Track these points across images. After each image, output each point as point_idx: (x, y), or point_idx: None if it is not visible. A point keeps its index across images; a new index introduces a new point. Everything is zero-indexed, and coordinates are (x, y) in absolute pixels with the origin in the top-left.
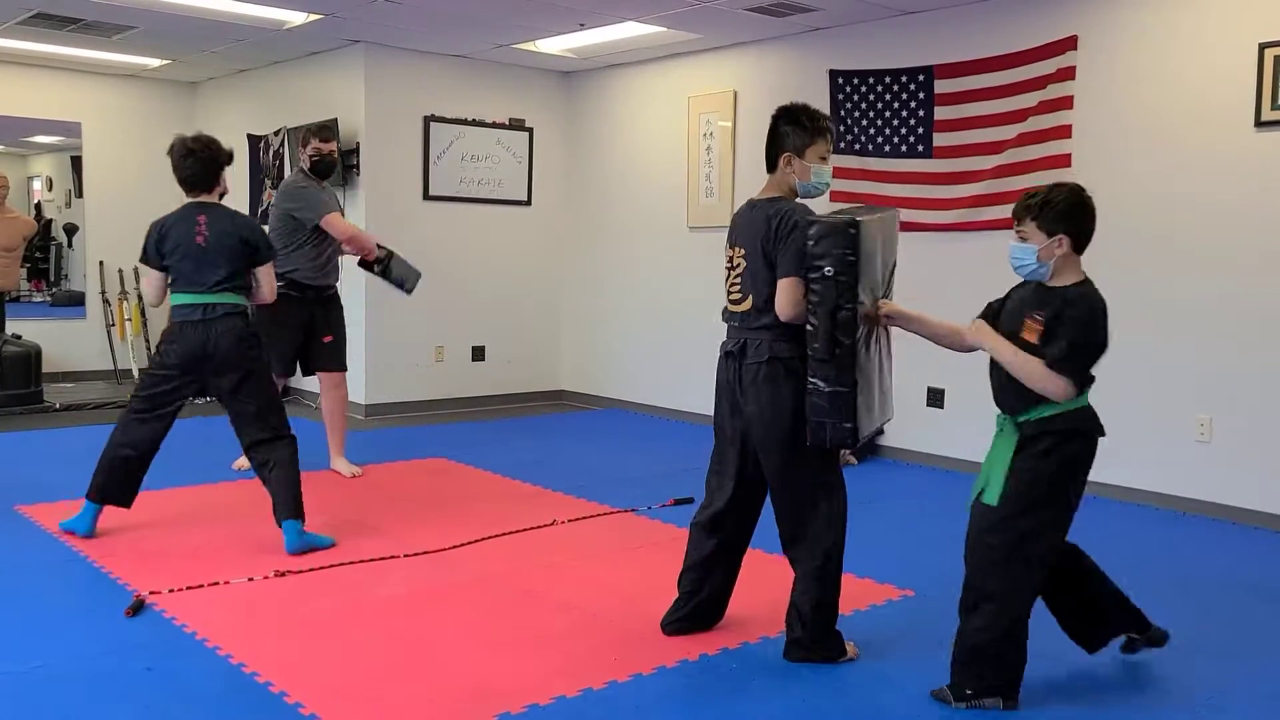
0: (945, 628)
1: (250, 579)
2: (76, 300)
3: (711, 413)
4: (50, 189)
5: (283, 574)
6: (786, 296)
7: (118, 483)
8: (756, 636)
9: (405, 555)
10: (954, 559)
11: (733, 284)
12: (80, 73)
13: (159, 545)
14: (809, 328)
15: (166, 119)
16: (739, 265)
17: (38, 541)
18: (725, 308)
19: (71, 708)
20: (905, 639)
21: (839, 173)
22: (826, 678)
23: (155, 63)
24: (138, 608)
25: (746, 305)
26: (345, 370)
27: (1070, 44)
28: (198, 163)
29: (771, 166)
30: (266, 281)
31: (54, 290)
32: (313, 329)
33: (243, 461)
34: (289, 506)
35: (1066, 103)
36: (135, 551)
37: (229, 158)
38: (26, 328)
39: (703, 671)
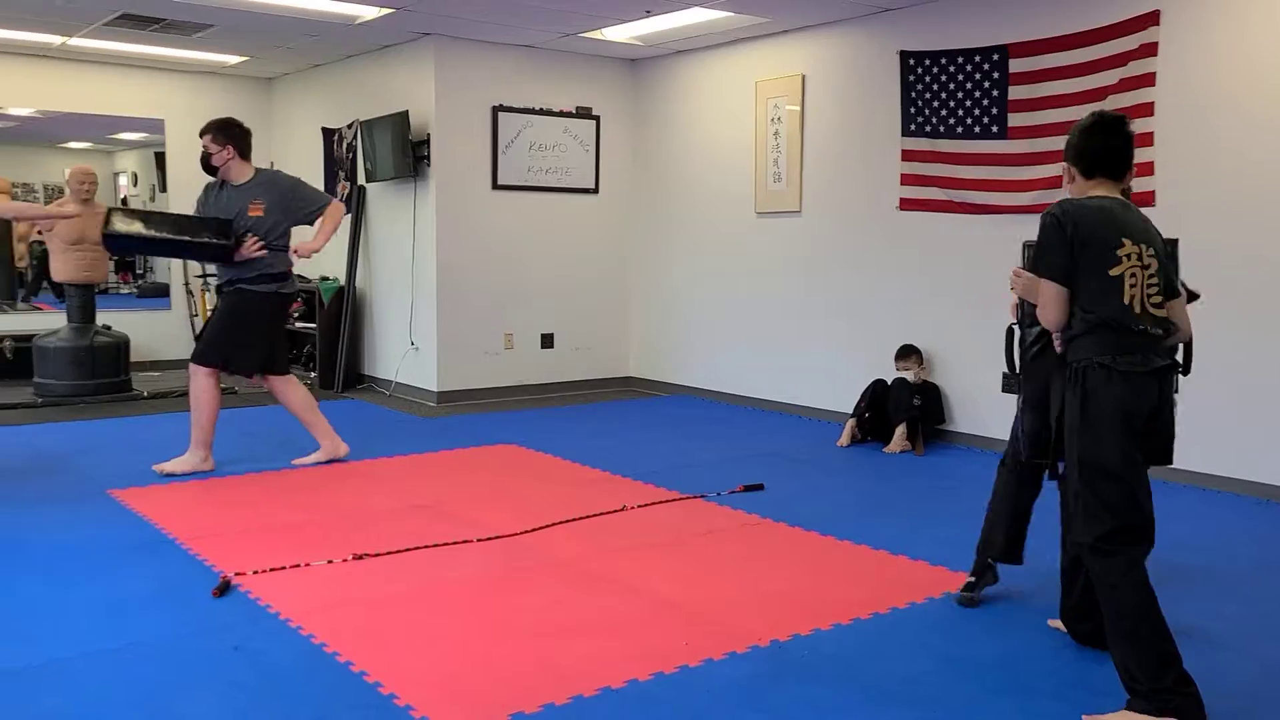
0: (1019, 614)
1: (329, 561)
2: (161, 291)
3: (774, 397)
4: (135, 184)
5: (360, 557)
6: (1187, 313)
7: None
8: (829, 623)
9: (478, 539)
10: (1028, 545)
11: (1150, 283)
12: (162, 71)
13: (242, 528)
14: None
15: (244, 114)
16: (1150, 265)
17: (129, 524)
18: (1136, 313)
19: (164, 684)
20: (977, 626)
21: (908, 155)
22: (897, 665)
23: (233, 59)
24: (224, 588)
25: (1166, 311)
26: (200, 364)
27: (1152, 19)
28: None
29: (1122, 174)
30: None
31: (140, 282)
32: None
33: (301, 460)
34: None
35: (1148, 80)
36: (220, 534)
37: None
38: (115, 319)
39: (775, 657)
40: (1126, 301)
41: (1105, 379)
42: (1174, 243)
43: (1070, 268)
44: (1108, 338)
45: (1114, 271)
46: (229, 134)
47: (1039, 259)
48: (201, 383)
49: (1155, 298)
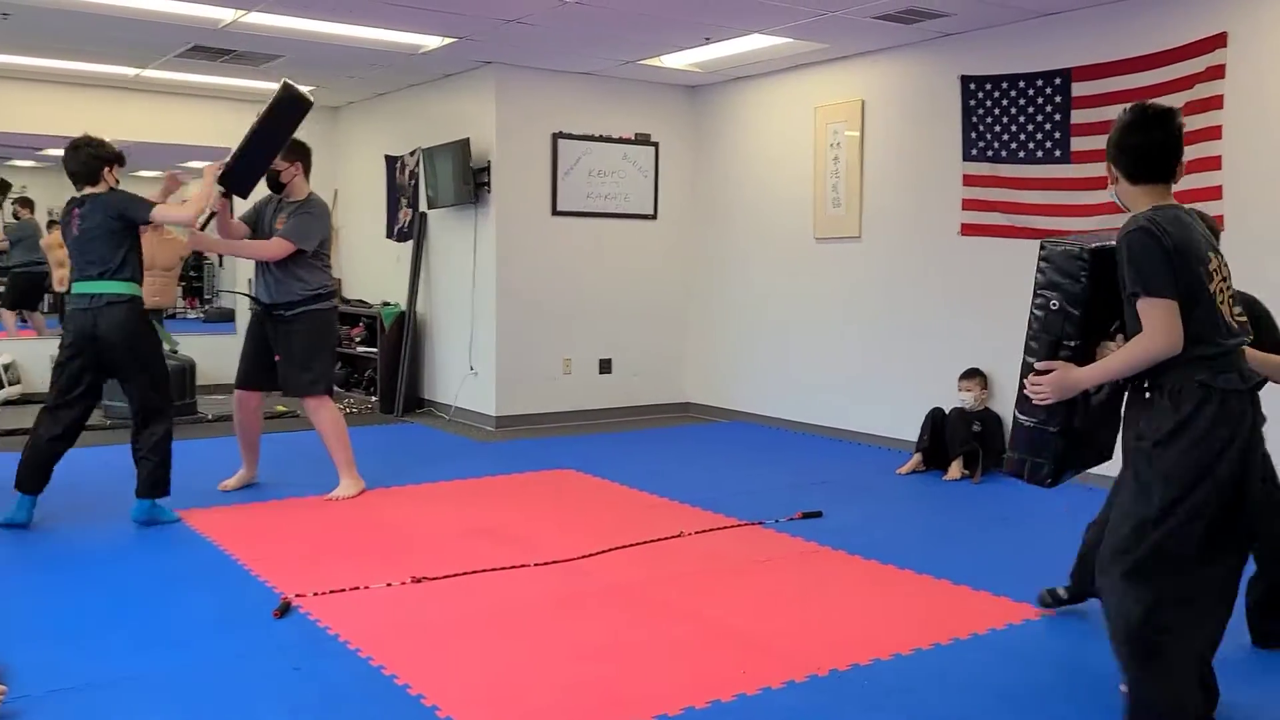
0: (1081, 650)
1: (389, 584)
2: (227, 316)
3: (832, 424)
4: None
5: (419, 580)
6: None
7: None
8: (889, 653)
9: (535, 564)
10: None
11: (1231, 297)
12: (231, 100)
13: (303, 551)
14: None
15: (310, 142)
16: (1228, 276)
17: (193, 545)
18: (1228, 328)
19: (226, 704)
20: (1041, 659)
21: (969, 180)
22: (958, 696)
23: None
24: (285, 610)
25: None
26: (308, 395)
27: (1219, 41)
28: (80, 159)
29: (1174, 175)
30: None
31: (206, 307)
32: (273, 345)
33: (227, 483)
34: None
35: (1216, 103)
36: (281, 556)
37: (117, 157)
38: (181, 342)
39: (834, 687)
40: (1220, 319)
41: (1205, 398)
42: None
43: (1176, 282)
44: (1205, 357)
45: (1211, 287)
46: (300, 153)
47: (1146, 280)
48: (324, 413)
49: (1236, 307)
